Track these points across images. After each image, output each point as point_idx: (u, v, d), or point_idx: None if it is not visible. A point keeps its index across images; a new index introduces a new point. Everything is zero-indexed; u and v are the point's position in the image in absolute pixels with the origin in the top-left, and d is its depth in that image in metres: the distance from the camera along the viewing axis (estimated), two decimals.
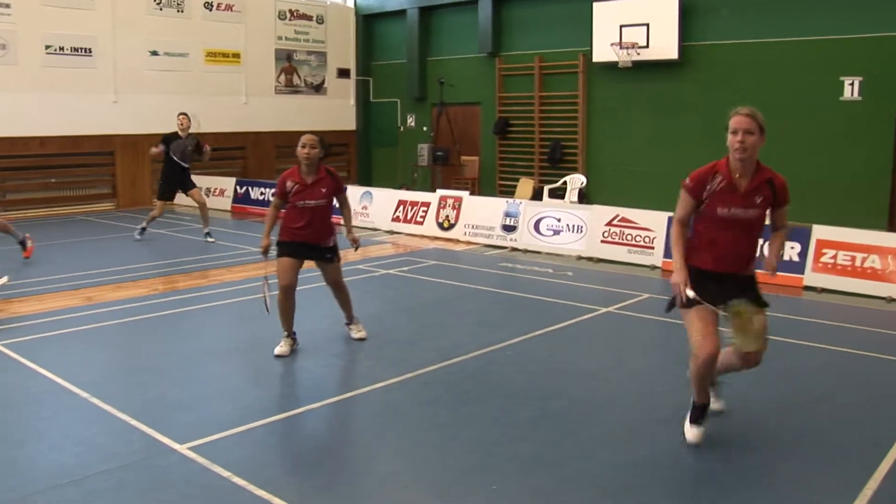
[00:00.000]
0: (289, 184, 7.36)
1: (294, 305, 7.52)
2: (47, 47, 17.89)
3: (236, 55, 21.52)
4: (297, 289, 7.52)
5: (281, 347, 7.48)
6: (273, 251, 7.48)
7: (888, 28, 14.87)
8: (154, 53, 19.74)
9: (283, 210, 7.47)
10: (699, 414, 5.47)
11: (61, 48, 18.11)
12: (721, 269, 5.33)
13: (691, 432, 5.44)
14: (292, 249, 7.38)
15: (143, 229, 14.13)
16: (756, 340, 5.29)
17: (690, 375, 5.38)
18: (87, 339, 8.07)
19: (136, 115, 19.34)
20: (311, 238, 7.38)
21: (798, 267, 10.80)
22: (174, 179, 14.04)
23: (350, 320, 7.96)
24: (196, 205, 14.43)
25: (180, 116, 14.16)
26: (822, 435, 5.65)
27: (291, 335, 7.58)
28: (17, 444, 5.40)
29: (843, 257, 10.52)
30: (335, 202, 7.59)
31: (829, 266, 10.60)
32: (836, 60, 15.48)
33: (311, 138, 7.34)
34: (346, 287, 7.83)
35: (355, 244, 7.60)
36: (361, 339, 7.83)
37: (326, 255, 7.49)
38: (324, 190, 7.33)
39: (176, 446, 5.30)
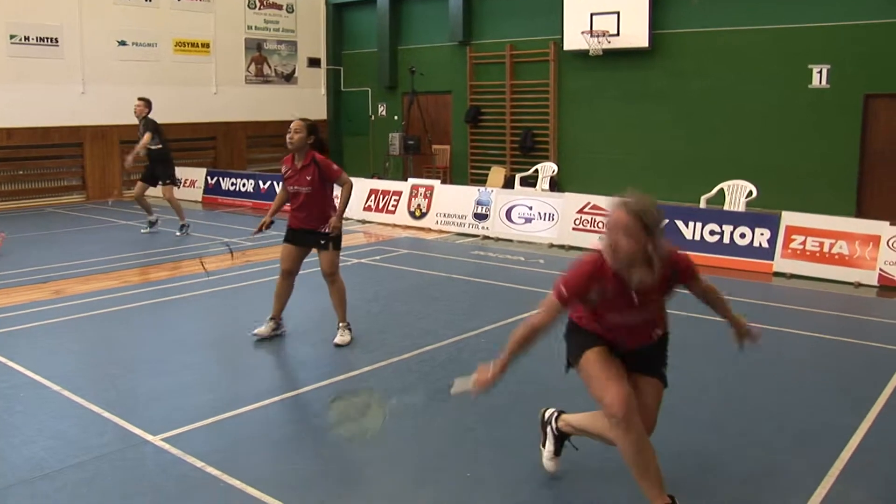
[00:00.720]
0: (283, 168, 7.54)
1: (288, 291, 7.59)
2: (12, 37, 17.66)
3: (206, 45, 21.36)
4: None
5: (261, 328, 7.56)
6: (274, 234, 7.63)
7: (855, 16, 15.02)
8: (122, 43, 19.55)
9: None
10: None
11: (27, 38, 17.88)
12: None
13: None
14: (292, 235, 7.49)
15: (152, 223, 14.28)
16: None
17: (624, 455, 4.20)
18: (58, 332, 8.01)
19: (105, 106, 19.14)
20: (305, 223, 7.40)
21: (768, 253, 10.91)
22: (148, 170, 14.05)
23: (340, 321, 7.55)
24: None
25: (138, 102, 14.03)
26: (789, 419, 5.73)
27: (276, 319, 7.63)
28: None
29: (811, 243, 10.64)
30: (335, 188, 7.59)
31: (799, 252, 10.71)
32: (805, 48, 15.61)
33: (296, 124, 7.32)
34: (340, 283, 7.54)
35: (329, 227, 7.33)
36: (340, 345, 7.40)
37: (320, 241, 7.41)
38: (308, 177, 7.29)
39: (149, 437, 5.29)
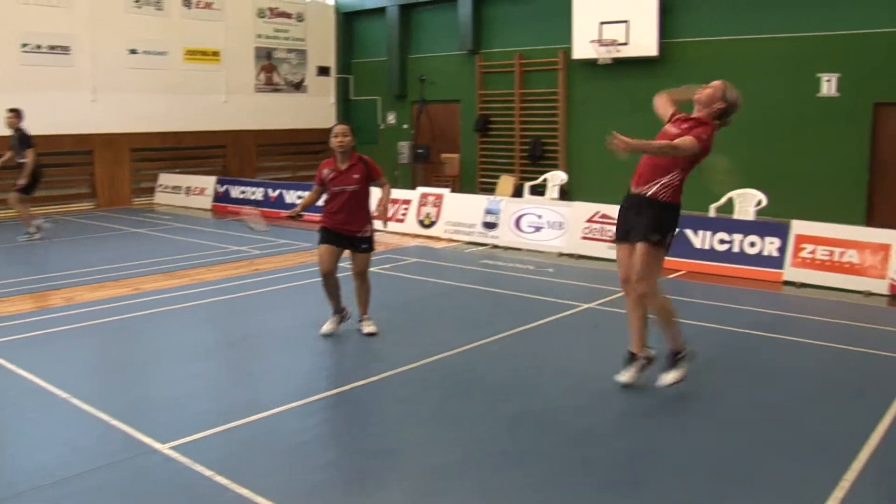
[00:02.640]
0: (325, 171, 7.75)
1: (337, 287, 7.87)
2: (24, 45, 17.73)
3: (216, 53, 21.43)
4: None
5: (325, 326, 7.98)
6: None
7: (864, 25, 15.00)
8: (133, 52, 19.62)
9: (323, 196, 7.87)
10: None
11: (38, 46, 17.96)
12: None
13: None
14: (331, 237, 7.73)
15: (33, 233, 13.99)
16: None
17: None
18: (67, 339, 8.02)
19: (115, 114, 19.22)
20: (346, 225, 7.69)
21: (777, 262, 10.87)
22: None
23: (363, 314, 8.06)
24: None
25: (9, 114, 13.63)
26: (802, 427, 5.70)
27: (340, 312, 8.05)
28: (0, 445, 5.38)
29: (821, 252, 10.59)
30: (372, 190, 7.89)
31: (809, 261, 10.67)
32: (814, 57, 15.59)
33: (342, 128, 7.67)
34: (369, 280, 7.99)
35: (383, 218, 7.84)
36: (371, 335, 7.93)
37: (362, 246, 7.80)
38: (356, 176, 7.63)
39: (158, 446, 5.28)
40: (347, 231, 7.69)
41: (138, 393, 6.44)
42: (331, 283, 7.77)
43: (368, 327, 7.97)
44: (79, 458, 5.13)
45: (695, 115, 6.40)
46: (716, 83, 6.44)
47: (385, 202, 7.80)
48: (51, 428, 5.66)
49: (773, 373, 6.95)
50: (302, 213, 7.81)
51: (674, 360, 6.28)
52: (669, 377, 6.24)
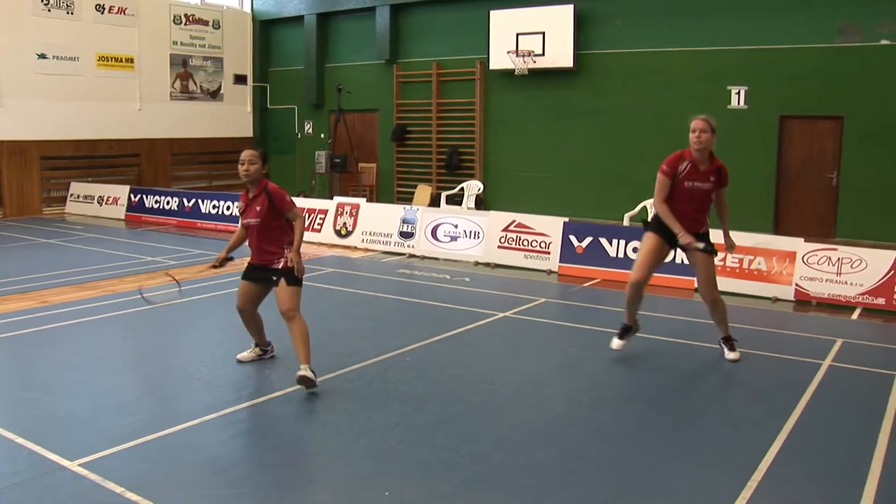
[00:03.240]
0: (238, 203, 7.17)
1: (253, 323, 7.38)
2: None
3: (130, 60, 21.05)
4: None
5: (244, 353, 7.55)
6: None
7: (770, 41, 15.49)
8: (42, 56, 19.15)
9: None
10: (623, 331, 7.71)
11: None
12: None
13: (616, 343, 7.67)
14: (247, 272, 7.19)
15: None
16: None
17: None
18: None
19: (24, 121, 18.75)
20: (259, 259, 7.04)
21: (689, 270, 11.08)
22: None
23: (302, 362, 6.68)
24: None
25: None
26: (711, 431, 5.84)
27: (261, 346, 7.58)
28: None
29: (731, 259, 10.87)
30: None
31: (719, 268, 10.90)
32: (724, 70, 16.03)
33: (249, 154, 6.91)
34: (300, 322, 6.85)
35: (287, 262, 6.86)
36: (305, 383, 6.66)
37: (272, 278, 6.96)
38: (258, 208, 6.87)
39: (66, 463, 5.16)
40: (263, 263, 7.00)
41: (45, 409, 6.27)
42: (246, 319, 7.29)
43: (306, 372, 6.64)
44: None
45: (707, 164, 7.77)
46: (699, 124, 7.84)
47: (296, 244, 6.85)
48: None
49: (683, 377, 7.12)
50: (229, 255, 7.21)
51: None
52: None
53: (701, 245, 7.37)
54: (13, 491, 4.81)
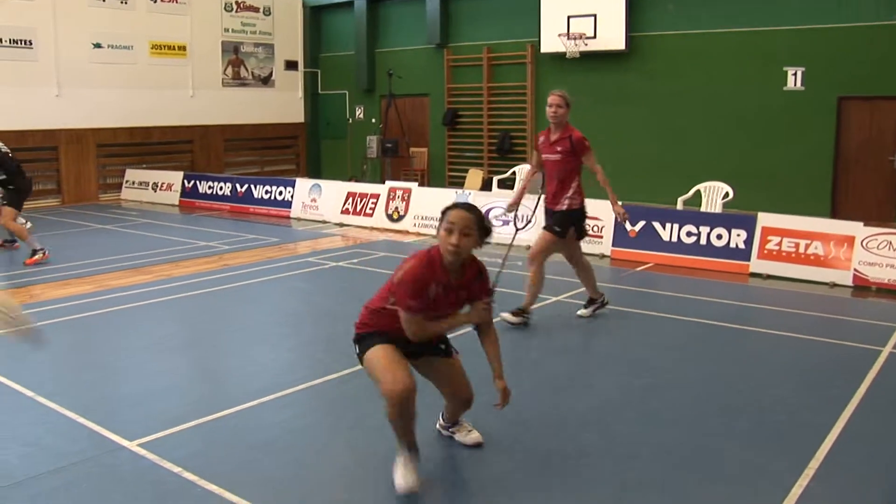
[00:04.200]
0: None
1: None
2: None
3: (182, 48, 21.26)
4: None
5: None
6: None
7: (829, 19, 15.16)
8: (97, 46, 19.42)
9: None
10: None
11: (0, 40, 17.73)
12: None
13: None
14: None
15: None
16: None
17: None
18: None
19: (81, 110, 19.05)
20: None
21: (744, 254, 10.96)
22: None
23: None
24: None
25: None
26: (768, 417, 5.76)
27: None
28: None
29: (787, 244, 10.70)
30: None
31: (775, 253, 10.77)
32: (779, 51, 15.73)
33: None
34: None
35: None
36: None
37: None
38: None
39: (125, 443, 5.25)
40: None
41: (105, 390, 6.39)
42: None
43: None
44: (44, 456, 5.08)
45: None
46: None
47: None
48: (15, 427, 5.60)
49: (739, 364, 7.02)
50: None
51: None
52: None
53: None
54: (76, 469, 4.90)
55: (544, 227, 8.34)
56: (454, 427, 5.37)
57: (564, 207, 8.27)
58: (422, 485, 4.63)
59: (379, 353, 4.71)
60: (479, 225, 4.75)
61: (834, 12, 15.10)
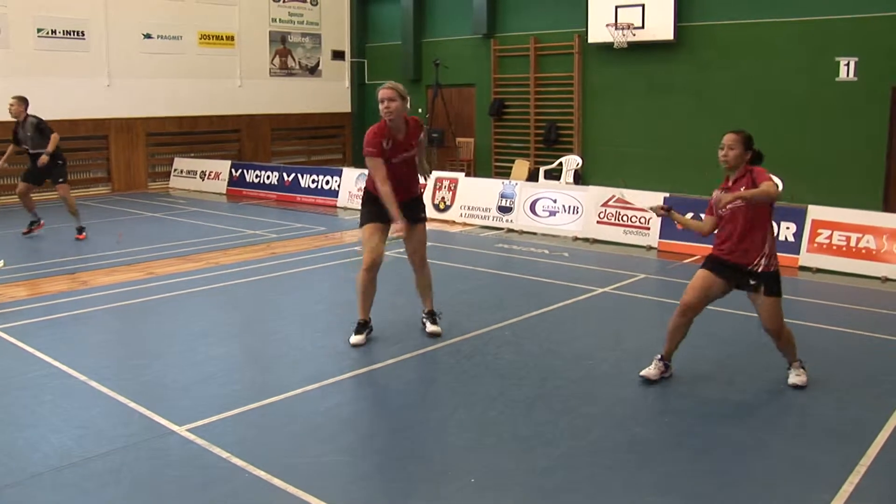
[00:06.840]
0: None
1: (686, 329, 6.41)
2: (39, 30, 17.80)
3: (230, 38, 21.42)
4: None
5: (650, 370, 6.33)
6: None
7: (882, 8, 14.86)
8: (147, 36, 19.64)
9: None
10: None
11: (53, 31, 18.01)
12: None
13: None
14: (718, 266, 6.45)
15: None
16: None
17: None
18: (83, 322, 8.08)
19: (130, 99, 19.29)
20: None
21: (794, 247, 10.82)
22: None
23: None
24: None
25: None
26: (818, 412, 5.69)
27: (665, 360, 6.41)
28: (19, 427, 5.41)
29: (838, 237, 10.54)
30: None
31: (825, 246, 10.62)
32: (832, 41, 15.46)
33: (730, 138, 6.92)
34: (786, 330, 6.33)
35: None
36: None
37: (749, 282, 6.19)
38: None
39: (175, 428, 5.32)
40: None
41: (155, 376, 6.48)
42: (689, 319, 6.31)
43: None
44: (97, 439, 5.17)
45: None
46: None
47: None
48: (68, 410, 5.70)
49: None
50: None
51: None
52: None
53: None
54: (127, 452, 4.98)
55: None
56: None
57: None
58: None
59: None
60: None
61: (887, 0, 14.81)
